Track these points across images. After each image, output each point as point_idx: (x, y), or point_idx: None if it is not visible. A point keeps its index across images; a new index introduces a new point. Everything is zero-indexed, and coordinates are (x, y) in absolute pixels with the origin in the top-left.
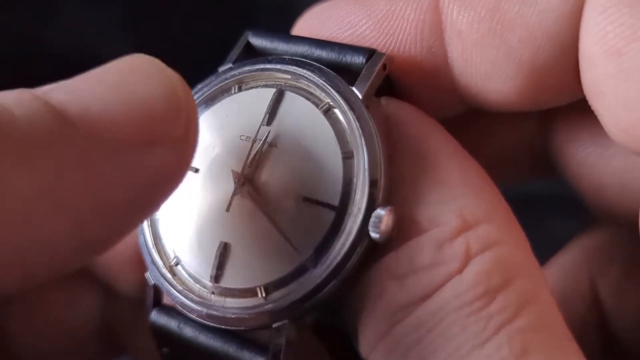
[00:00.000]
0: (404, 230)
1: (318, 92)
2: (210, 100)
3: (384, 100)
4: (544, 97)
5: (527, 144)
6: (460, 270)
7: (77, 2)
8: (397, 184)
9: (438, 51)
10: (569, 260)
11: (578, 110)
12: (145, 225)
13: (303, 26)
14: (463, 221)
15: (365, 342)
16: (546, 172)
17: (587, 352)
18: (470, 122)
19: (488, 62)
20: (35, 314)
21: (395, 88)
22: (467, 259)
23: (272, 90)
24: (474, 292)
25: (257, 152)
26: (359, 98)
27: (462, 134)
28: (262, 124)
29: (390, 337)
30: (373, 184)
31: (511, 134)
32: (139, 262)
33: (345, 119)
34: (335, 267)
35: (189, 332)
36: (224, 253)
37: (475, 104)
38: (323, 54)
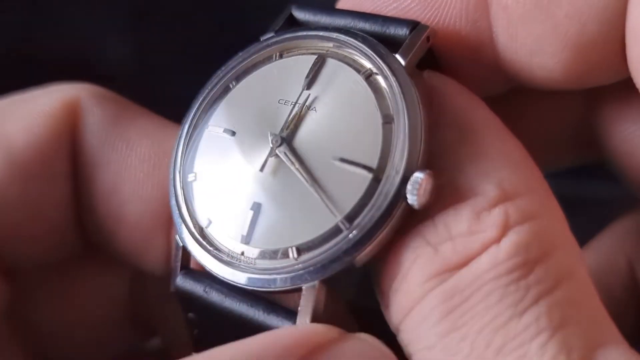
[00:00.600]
0: (442, 198)
1: (360, 59)
2: (251, 67)
3: (426, 74)
4: (590, 74)
5: (572, 123)
6: (497, 240)
7: (77, 2)
8: (437, 154)
9: (483, 26)
10: (607, 243)
11: (625, 87)
12: (178, 187)
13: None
14: (502, 192)
15: (397, 310)
16: (591, 153)
17: (625, 335)
18: (515, 101)
19: (533, 37)
20: (62, 303)
21: (439, 63)
22: (505, 229)
23: (314, 57)
24: (512, 262)
25: (295, 115)
26: (401, 65)
27: (506, 113)
28: (303, 89)
29: (423, 305)
30: (413, 147)
31: (556, 113)
32: (163, 232)
33: (387, 84)
34: (369, 230)
35: (215, 296)
36: (256, 213)
37: (520, 80)
38: (366, 25)
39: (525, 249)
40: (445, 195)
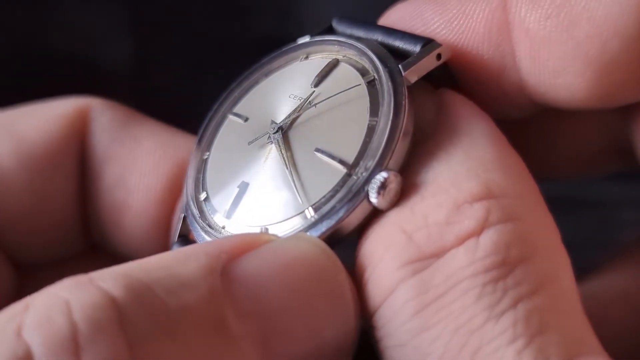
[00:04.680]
0: (424, 191)
1: (368, 66)
2: (280, 66)
3: (441, 90)
4: (615, 93)
5: (610, 134)
6: (475, 234)
7: (78, 2)
8: (428, 155)
9: (506, 49)
10: (625, 266)
11: None
12: (192, 162)
13: (385, 20)
14: (487, 190)
15: (368, 303)
16: (631, 161)
17: None
18: (551, 116)
19: (556, 59)
20: None
21: (462, 84)
22: (484, 224)
23: (330, 60)
24: (491, 260)
25: (297, 108)
26: (401, 74)
27: (542, 127)
28: (311, 86)
29: (395, 298)
30: (387, 148)
31: (593, 125)
32: (168, 222)
33: (381, 89)
34: (329, 220)
35: None
36: (241, 191)
37: (546, 102)
38: (387, 39)
39: (505, 249)
40: (429, 189)
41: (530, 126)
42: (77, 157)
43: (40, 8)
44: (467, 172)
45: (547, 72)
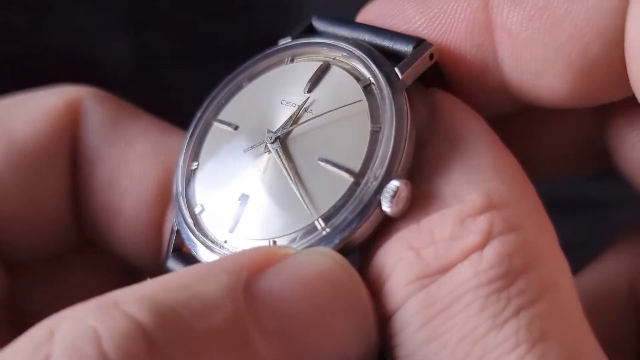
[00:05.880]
0: (429, 205)
1: (362, 69)
2: (265, 69)
3: (431, 91)
4: (596, 93)
5: (585, 135)
6: (480, 247)
7: (78, 2)
8: (429, 164)
9: (488, 49)
10: (608, 264)
11: (632, 98)
12: (180, 173)
13: (363, 17)
14: (489, 201)
15: (379, 315)
16: (606, 164)
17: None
18: (530, 117)
19: (538, 60)
20: (56, 296)
21: (448, 83)
22: (488, 237)
23: (319, 64)
24: (494, 272)
25: (292, 115)
26: (399, 77)
27: (520, 129)
28: (304, 92)
29: (404, 311)
30: (394, 156)
31: (569, 126)
32: (158, 226)
33: (381, 94)
34: (340, 232)
35: None
36: (242, 204)
37: (527, 101)
38: (375, 39)
39: (508, 259)
40: (433, 202)
41: (509, 128)
42: (68, 154)
43: (40, 8)
44: (467, 184)
45: (529, 73)
